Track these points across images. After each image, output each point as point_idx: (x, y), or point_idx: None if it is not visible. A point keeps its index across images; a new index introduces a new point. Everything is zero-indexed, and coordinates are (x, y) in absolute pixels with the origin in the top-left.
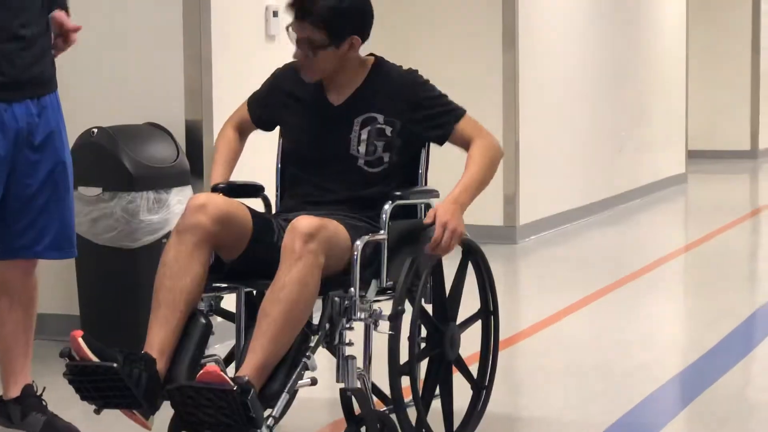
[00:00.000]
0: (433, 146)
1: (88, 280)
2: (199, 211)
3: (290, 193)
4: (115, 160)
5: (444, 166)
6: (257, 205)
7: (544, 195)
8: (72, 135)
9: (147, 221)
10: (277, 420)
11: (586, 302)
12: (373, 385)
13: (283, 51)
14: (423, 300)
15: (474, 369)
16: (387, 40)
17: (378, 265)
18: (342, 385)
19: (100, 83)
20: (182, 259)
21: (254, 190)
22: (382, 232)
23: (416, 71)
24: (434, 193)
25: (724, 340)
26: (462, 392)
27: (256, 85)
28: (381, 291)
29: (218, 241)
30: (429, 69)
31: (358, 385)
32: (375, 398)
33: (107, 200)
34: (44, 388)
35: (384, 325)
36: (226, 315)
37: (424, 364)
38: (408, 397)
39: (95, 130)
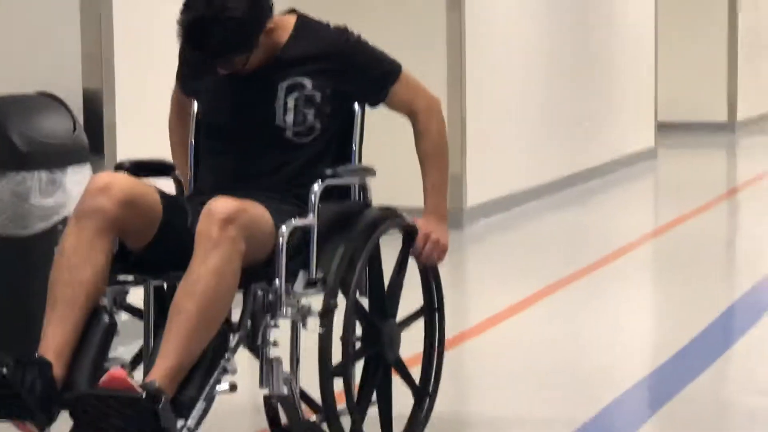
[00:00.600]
0: (368, 116)
1: None
2: (101, 193)
3: (206, 165)
4: (1, 135)
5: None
6: (168, 186)
7: (495, 173)
8: None
9: (39, 205)
10: (192, 431)
11: (541, 296)
12: (302, 391)
13: None
14: (358, 293)
15: (416, 372)
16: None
17: (306, 254)
18: (266, 392)
19: None
20: (82, 248)
21: (164, 168)
22: (310, 215)
23: (345, 28)
24: (370, 172)
25: (698, 338)
26: (402, 398)
27: (162, 46)
28: (310, 283)
29: (123, 227)
30: (361, 29)
31: (285, 391)
32: (304, 406)
33: None
34: None
35: (313, 323)
36: (133, 311)
37: (359, 367)
38: (342, 403)
39: None
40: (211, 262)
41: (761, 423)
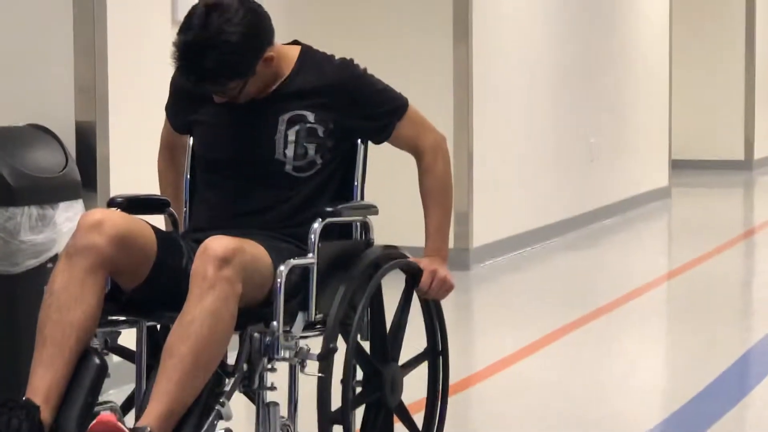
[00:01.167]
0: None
1: None
2: (93, 230)
3: (202, 198)
4: None
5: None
6: (162, 223)
7: (502, 213)
8: None
9: (29, 242)
10: None
11: (550, 339)
12: None
13: None
14: (359, 336)
15: (419, 418)
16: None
17: (306, 295)
18: None
19: None
20: (72, 287)
21: (159, 204)
22: (310, 255)
23: (351, 61)
24: (372, 210)
25: (713, 385)
26: None
27: (158, 79)
28: (309, 325)
29: (116, 265)
30: (365, 63)
31: None
32: None
33: None
34: None
35: (312, 366)
36: (125, 353)
37: (360, 412)
38: None
39: None
40: (206, 303)
41: None
